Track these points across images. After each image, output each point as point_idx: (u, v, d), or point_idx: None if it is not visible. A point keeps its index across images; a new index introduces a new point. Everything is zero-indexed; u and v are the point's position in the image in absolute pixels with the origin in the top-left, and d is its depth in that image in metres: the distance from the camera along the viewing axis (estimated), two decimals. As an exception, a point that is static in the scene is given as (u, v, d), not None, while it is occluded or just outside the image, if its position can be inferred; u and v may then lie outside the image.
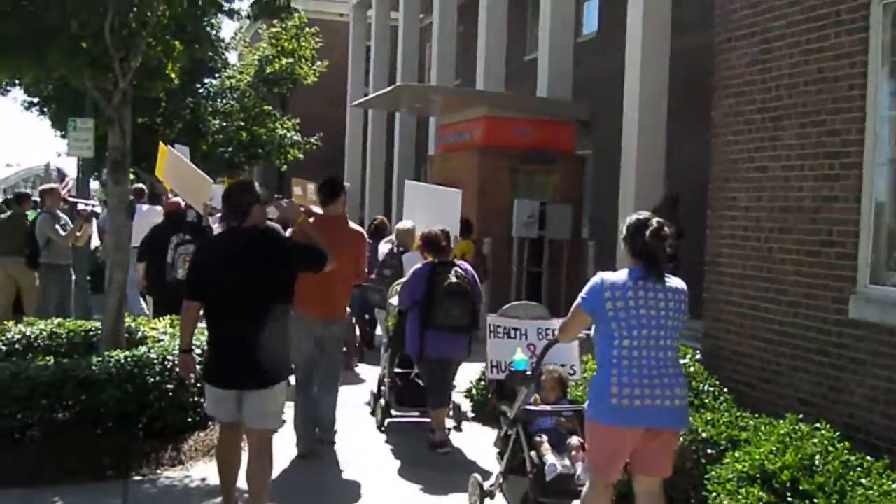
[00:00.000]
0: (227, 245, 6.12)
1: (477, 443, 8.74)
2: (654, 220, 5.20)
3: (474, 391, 9.67)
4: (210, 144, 21.73)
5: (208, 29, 8.85)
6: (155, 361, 7.74)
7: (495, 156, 16.57)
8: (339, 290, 8.07)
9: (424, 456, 8.43)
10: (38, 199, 14.13)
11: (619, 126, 18.16)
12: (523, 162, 16.71)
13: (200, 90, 21.85)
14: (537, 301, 15.21)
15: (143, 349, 8.01)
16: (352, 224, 8.43)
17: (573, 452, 6.33)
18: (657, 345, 5.13)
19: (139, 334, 9.26)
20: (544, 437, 6.40)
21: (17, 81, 21.48)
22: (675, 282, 5.26)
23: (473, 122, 17.32)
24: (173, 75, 9.08)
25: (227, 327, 5.95)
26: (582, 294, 5.26)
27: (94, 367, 7.55)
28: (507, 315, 7.53)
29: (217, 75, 22.22)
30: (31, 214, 13.09)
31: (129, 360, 7.69)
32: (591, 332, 5.43)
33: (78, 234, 12.29)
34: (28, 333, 9.38)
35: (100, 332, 9.31)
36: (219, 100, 22.32)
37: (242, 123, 22.58)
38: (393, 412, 9.41)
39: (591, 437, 5.32)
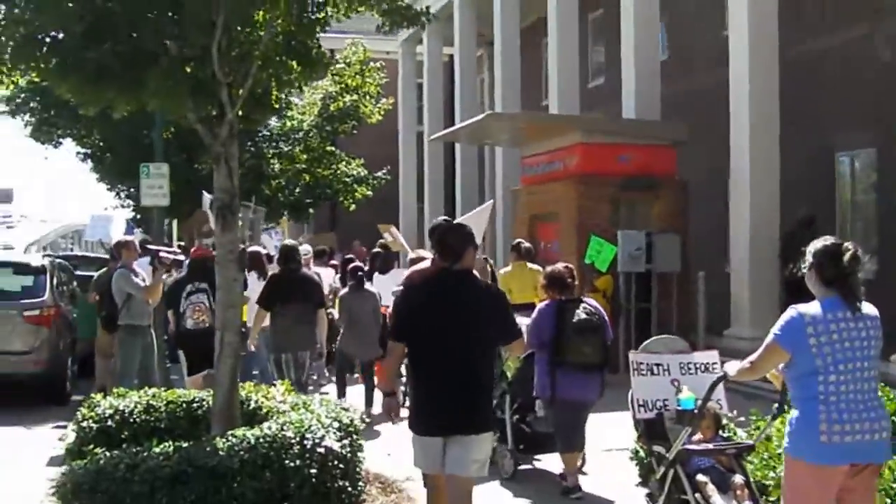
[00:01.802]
0: (442, 287, 5.95)
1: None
2: (849, 244, 4.99)
3: (642, 452, 8.24)
4: (273, 188, 20.60)
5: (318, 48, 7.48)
6: (293, 441, 6.42)
7: (595, 185, 15.26)
8: None
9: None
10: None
11: (711, 147, 16.96)
12: (624, 190, 15.38)
13: (262, 132, 20.73)
14: (647, 339, 14.05)
15: (271, 426, 6.69)
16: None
17: (737, 492, 6.19)
18: (862, 377, 4.93)
19: (251, 404, 7.98)
20: (706, 477, 6.21)
21: (70, 132, 20.73)
22: (869, 308, 5.02)
23: (567, 149, 16.03)
24: (276, 105, 7.86)
25: (441, 370, 5.78)
26: (776, 330, 5.02)
27: (221, 453, 6.24)
28: (648, 351, 7.32)
29: (279, 116, 21.02)
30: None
31: (262, 441, 6.38)
32: (780, 367, 5.19)
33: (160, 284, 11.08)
34: (121, 408, 8.14)
35: (203, 402, 8.10)
36: (281, 142, 21.16)
37: (304, 166, 21.42)
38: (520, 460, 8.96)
39: (795, 477, 5.03)
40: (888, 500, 6.00)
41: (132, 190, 27.03)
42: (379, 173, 23.88)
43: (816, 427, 4.86)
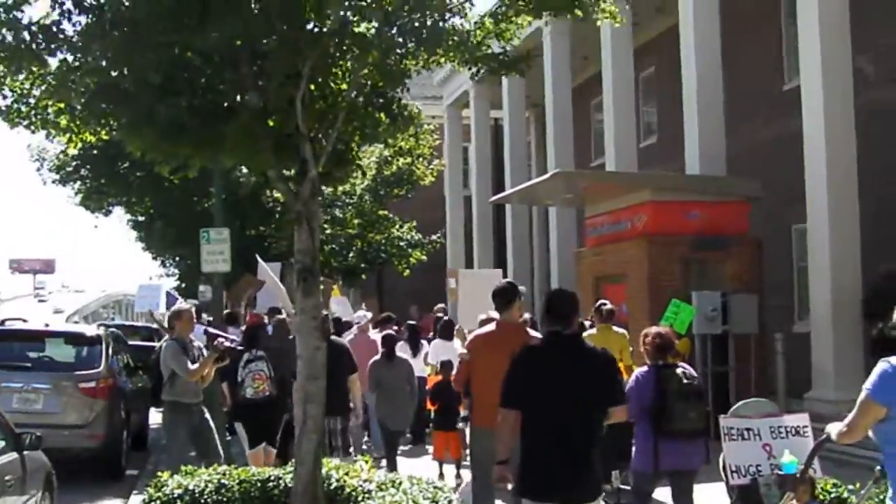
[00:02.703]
0: (556, 352, 5.99)
1: None
2: None
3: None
4: (326, 254, 20.15)
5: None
6: (391, 527, 5.83)
7: (665, 244, 14.70)
8: None
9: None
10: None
11: (772, 202, 16.34)
12: (695, 249, 14.79)
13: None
14: (726, 404, 13.41)
15: (365, 510, 6.09)
16: (531, 331, 8.05)
17: None
18: None
19: (332, 483, 7.38)
20: None
21: (121, 200, 20.51)
22: None
23: (634, 208, 15.49)
24: (360, 162, 7.40)
25: (557, 436, 5.78)
26: (868, 385, 4.93)
27: (315, 542, 5.65)
28: (738, 415, 7.30)
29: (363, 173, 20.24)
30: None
31: (358, 527, 5.79)
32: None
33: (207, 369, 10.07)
34: (191, 487, 7.59)
35: (280, 481, 7.54)
36: (335, 207, 20.74)
37: (354, 231, 21.02)
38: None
39: None
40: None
41: (178, 259, 26.81)
42: (434, 236, 23.43)
43: None
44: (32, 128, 6.81)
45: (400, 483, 6.86)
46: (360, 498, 6.84)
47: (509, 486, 6.03)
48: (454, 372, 8.98)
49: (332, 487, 7.32)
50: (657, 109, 24.01)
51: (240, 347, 10.48)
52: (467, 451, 12.01)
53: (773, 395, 14.20)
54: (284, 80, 6.23)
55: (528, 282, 25.88)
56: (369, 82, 6.95)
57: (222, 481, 7.70)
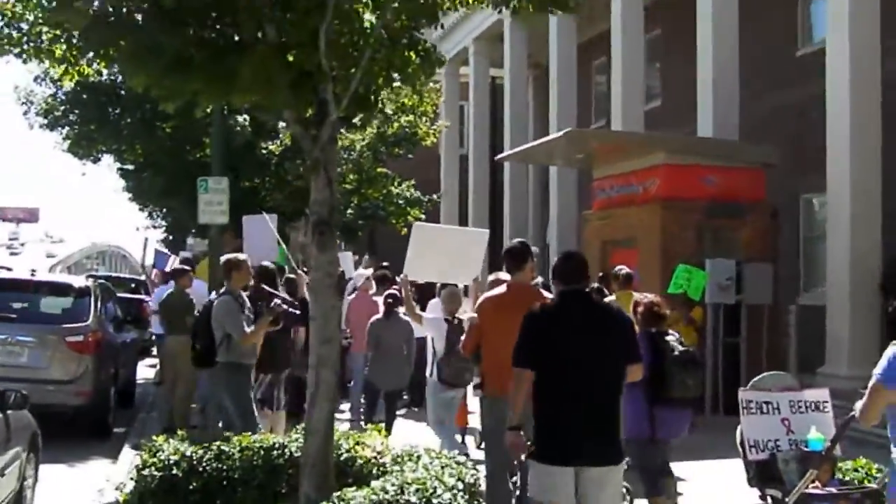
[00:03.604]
0: (572, 309, 5.78)
1: None
2: None
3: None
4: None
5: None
6: (417, 507, 5.27)
7: (679, 209, 14.16)
8: None
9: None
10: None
11: (781, 170, 15.81)
12: (710, 216, 14.27)
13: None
14: (736, 376, 13.00)
15: (386, 487, 5.50)
16: (545, 293, 7.60)
17: None
18: None
19: (343, 454, 6.83)
20: None
21: (110, 148, 19.77)
22: None
23: (647, 171, 14.93)
24: (380, 106, 6.81)
25: (578, 396, 5.54)
26: (878, 371, 4.89)
27: (334, 521, 5.10)
28: (757, 388, 7.17)
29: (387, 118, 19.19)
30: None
31: (380, 506, 5.23)
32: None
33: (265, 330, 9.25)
34: (188, 454, 7.04)
35: (285, 450, 6.99)
36: (332, 163, 19.96)
37: (351, 187, 20.29)
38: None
39: None
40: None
41: (166, 211, 26.03)
42: (434, 195, 22.83)
43: None
44: (24, 56, 6.17)
45: (419, 457, 6.31)
46: (374, 472, 6.29)
47: (523, 457, 5.73)
48: (463, 337, 8.44)
49: (342, 458, 6.78)
50: (660, 73, 23.42)
51: (297, 312, 9.80)
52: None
53: (784, 370, 13.80)
54: (307, 11, 5.61)
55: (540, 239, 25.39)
56: (403, 17, 6.33)
57: (223, 448, 7.15)
